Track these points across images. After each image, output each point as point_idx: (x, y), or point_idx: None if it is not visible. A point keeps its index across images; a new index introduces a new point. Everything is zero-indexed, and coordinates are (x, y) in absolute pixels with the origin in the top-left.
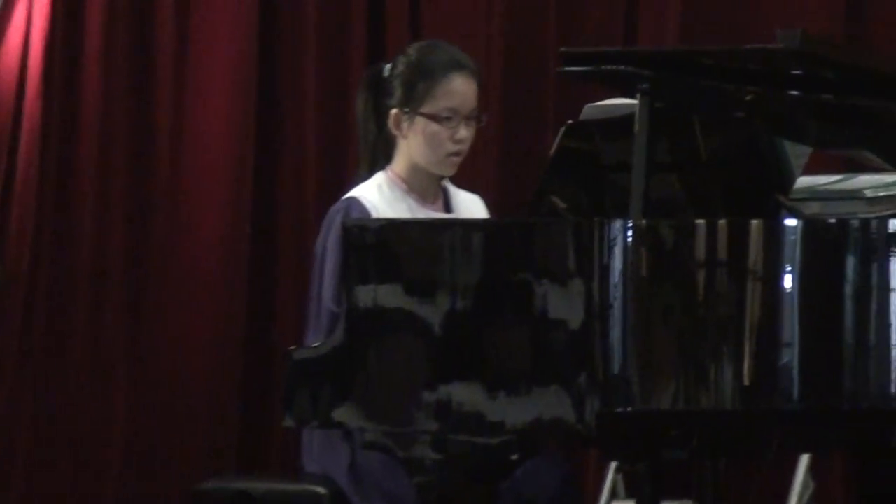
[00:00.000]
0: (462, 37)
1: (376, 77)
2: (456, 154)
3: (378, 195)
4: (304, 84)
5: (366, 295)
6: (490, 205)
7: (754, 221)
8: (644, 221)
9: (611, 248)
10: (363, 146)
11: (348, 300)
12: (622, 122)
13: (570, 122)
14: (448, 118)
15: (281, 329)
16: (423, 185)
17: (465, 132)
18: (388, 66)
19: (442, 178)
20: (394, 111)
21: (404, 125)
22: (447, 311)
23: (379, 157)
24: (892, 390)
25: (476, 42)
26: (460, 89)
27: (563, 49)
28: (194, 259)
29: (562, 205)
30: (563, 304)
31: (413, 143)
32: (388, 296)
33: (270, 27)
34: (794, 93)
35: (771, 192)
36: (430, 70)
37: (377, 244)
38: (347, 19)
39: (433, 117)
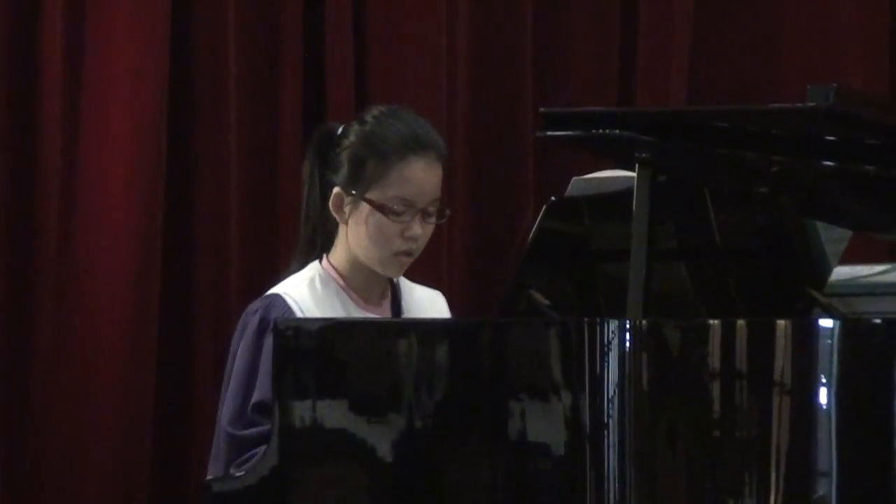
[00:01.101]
0: (417, 88)
1: (327, 139)
2: (406, 254)
3: (308, 292)
4: (225, 134)
5: (302, 412)
6: (455, 302)
7: (781, 322)
8: (645, 321)
9: (605, 355)
10: (303, 223)
11: (280, 419)
12: (617, 199)
13: (553, 198)
14: (399, 211)
15: (198, 452)
16: (366, 282)
17: (419, 229)
18: (341, 128)
19: None
20: (336, 190)
21: (347, 209)
22: (402, 432)
23: (317, 241)
24: None
25: (435, 95)
26: (419, 176)
27: (543, 109)
28: (92, 357)
29: (543, 301)
30: (546, 425)
31: (354, 234)
32: (331, 413)
33: (183, 76)
34: (829, 163)
35: (801, 286)
36: (385, 147)
37: (317, 350)
38: (276, 75)
39: (381, 207)
